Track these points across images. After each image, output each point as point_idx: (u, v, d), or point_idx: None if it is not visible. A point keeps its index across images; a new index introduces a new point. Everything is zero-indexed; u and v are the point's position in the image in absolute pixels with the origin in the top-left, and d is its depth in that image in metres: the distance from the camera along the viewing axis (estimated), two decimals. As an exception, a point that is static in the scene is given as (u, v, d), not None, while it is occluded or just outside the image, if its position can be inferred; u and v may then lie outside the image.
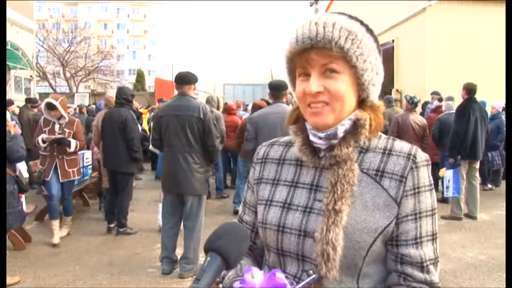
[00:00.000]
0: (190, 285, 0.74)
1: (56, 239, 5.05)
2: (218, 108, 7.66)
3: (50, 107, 5.06)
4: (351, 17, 0.96)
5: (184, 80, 4.11)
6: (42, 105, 5.27)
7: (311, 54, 0.91)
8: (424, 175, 0.95)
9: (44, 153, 5.12)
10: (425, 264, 0.93)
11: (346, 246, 0.90)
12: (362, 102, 0.98)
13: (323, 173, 0.98)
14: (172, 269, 4.19)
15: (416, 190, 0.93)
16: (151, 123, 10.06)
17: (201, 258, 4.15)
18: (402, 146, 0.97)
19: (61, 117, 5.12)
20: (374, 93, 0.98)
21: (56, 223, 5.15)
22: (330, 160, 0.95)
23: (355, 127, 0.96)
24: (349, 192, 0.91)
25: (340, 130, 0.95)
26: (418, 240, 0.94)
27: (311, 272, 0.91)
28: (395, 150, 0.96)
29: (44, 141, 4.98)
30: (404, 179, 0.93)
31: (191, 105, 4.04)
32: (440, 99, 8.15)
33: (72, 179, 5.24)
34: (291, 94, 4.49)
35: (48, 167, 5.06)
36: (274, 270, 0.83)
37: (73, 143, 5.08)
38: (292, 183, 1.02)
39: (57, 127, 5.10)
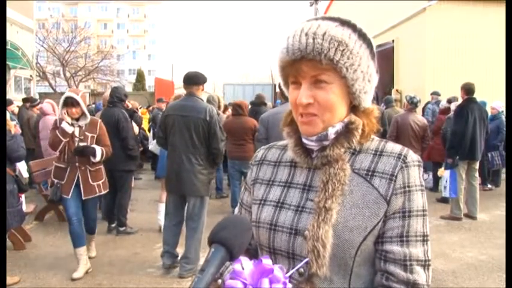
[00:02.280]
0: (196, 275, 0.75)
1: (80, 272, 4.04)
2: (219, 108, 7.66)
3: (71, 103, 3.94)
4: (343, 23, 0.94)
5: (193, 80, 4.09)
6: (60, 103, 4.06)
7: (301, 65, 0.92)
8: (415, 175, 0.95)
9: (60, 165, 4.07)
10: (408, 262, 0.91)
11: (335, 244, 0.90)
12: (355, 108, 1.00)
13: (315, 173, 1.00)
14: (173, 264, 4.21)
15: (407, 189, 0.93)
16: (151, 123, 10.10)
17: (202, 258, 4.16)
18: (394, 147, 0.99)
19: (80, 117, 4.06)
20: (366, 100, 0.99)
21: (81, 251, 4.09)
22: (322, 160, 0.97)
23: (347, 129, 0.97)
24: (340, 191, 0.93)
25: (331, 132, 0.97)
26: (404, 238, 0.92)
27: (302, 270, 0.92)
28: (386, 151, 0.98)
29: (64, 135, 3.94)
30: (394, 177, 0.93)
31: (198, 107, 4.02)
32: (449, 101, 8.06)
33: (97, 195, 4.21)
34: None
35: (68, 183, 3.99)
36: (261, 257, 0.86)
37: (98, 151, 4.07)
38: (286, 183, 1.04)
39: (76, 131, 4.05)
